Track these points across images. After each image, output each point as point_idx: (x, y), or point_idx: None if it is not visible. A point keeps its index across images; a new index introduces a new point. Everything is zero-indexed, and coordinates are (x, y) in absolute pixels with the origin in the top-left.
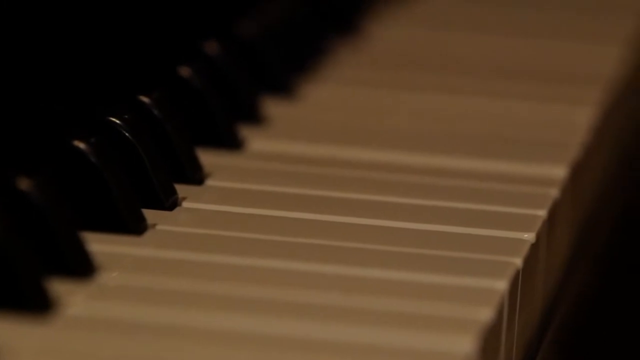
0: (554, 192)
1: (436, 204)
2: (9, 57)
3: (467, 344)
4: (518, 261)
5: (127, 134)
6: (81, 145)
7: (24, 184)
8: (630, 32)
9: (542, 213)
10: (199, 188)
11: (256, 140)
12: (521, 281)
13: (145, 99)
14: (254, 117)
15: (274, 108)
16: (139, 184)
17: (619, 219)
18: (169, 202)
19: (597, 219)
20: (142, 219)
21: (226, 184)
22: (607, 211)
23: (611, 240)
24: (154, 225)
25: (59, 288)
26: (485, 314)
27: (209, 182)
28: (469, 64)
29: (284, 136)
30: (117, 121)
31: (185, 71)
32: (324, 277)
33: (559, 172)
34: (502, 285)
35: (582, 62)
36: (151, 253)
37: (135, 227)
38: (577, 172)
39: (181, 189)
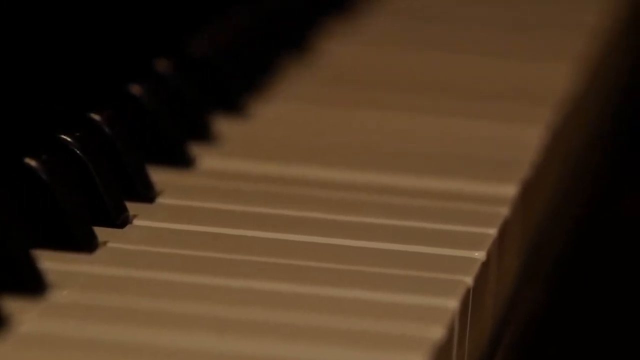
0: (504, 211)
1: (386, 222)
2: None
3: None
4: (469, 280)
5: (78, 152)
6: (32, 162)
7: None
8: (580, 50)
9: (493, 231)
10: (150, 206)
11: (207, 158)
12: (472, 300)
13: (96, 117)
14: (205, 134)
15: (225, 126)
16: (90, 202)
17: (569, 236)
18: (120, 220)
19: (548, 237)
20: (94, 237)
21: (177, 202)
22: (557, 229)
23: (561, 259)
24: (105, 243)
25: (11, 305)
26: (436, 332)
27: (160, 200)
28: (419, 82)
29: (236, 154)
30: (68, 139)
31: (136, 89)
32: (276, 294)
33: (510, 190)
34: (453, 303)
35: (533, 80)
36: (102, 271)
37: (87, 244)
38: (528, 190)
39: (132, 207)
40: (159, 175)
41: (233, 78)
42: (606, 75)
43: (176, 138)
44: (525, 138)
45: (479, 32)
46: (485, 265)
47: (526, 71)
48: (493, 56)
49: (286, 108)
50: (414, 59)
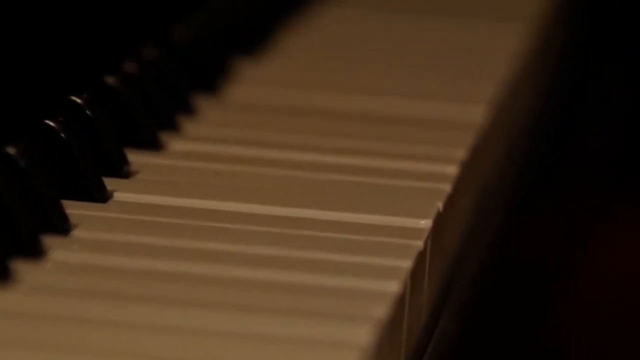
0: (418, 243)
1: (300, 254)
2: None
3: None
4: (382, 312)
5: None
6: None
7: None
8: (490, 93)
9: (407, 264)
10: (65, 239)
11: (121, 192)
12: (386, 333)
13: (11, 150)
14: (119, 171)
15: (139, 160)
16: (1, 233)
17: (483, 269)
18: (35, 252)
19: (461, 269)
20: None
21: (93, 235)
22: (470, 261)
23: (474, 290)
24: (18, 275)
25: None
26: None
27: (76, 233)
28: (326, 124)
29: (149, 188)
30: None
31: (46, 126)
32: (188, 328)
33: (424, 223)
34: (365, 339)
35: (446, 121)
36: (15, 306)
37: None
38: (440, 222)
39: (48, 240)
40: (74, 209)
41: (146, 115)
42: (511, 117)
43: (91, 173)
44: (439, 170)
45: (390, 71)
46: (400, 298)
47: (442, 111)
48: (405, 97)
49: (197, 144)
50: (321, 100)
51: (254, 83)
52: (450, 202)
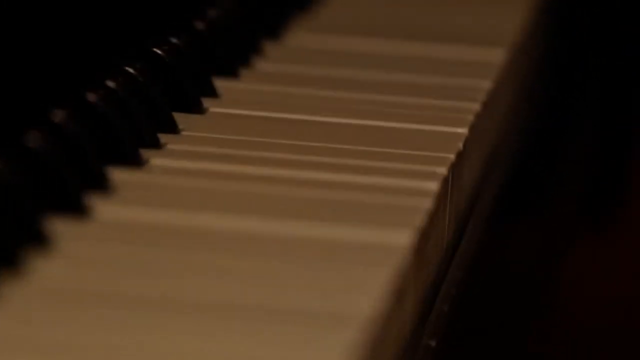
0: (397, 260)
1: (284, 270)
2: None
3: None
4: (362, 331)
5: None
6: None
7: None
8: (471, 115)
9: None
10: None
11: (103, 206)
12: (370, 353)
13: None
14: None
15: (122, 176)
16: None
17: (459, 288)
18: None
19: (438, 289)
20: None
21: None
22: (448, 284)
23: (457, 304)
24: None
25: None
26: None
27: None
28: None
29: (130, 202)
30: None
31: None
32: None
33: (404, 237)
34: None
35: (422, 147)
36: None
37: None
38: (423, 238)
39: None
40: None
41: (126, 133)
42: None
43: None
44: (419, 187)
45: (359, 95)
46: (378, 319)
47: (419, 136)
48: (381, 120)
49: (179, 161)
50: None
51: (234, 100)
52: (431, 216)
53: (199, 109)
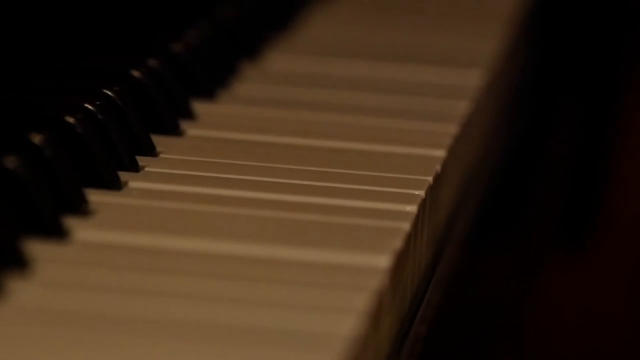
0: (375, 283)
1: (258, 294)
2: None
3: None
4: (339, 357)
5: None
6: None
7: None
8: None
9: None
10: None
11: (81, 230)
12: None
13: None
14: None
15: (100, 199)
16: None
17: (436, 310)
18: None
19: (416, 312)
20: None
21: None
22: (425, 305)
23: (428, 334)
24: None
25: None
26: None
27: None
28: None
29: (109, 226)
30: None
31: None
32: None
33: (382, 261)
34: None
35: (401, 169)
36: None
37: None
38: (401, 261)
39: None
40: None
41: (104, 155)
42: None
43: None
44: (399, 209)
45: (336, 118)
46: (358, 341)
47: (400, 158)
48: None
49: (157, 184)
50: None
51: (211, 123)
52: (409, 240)
53: (176, 132)
